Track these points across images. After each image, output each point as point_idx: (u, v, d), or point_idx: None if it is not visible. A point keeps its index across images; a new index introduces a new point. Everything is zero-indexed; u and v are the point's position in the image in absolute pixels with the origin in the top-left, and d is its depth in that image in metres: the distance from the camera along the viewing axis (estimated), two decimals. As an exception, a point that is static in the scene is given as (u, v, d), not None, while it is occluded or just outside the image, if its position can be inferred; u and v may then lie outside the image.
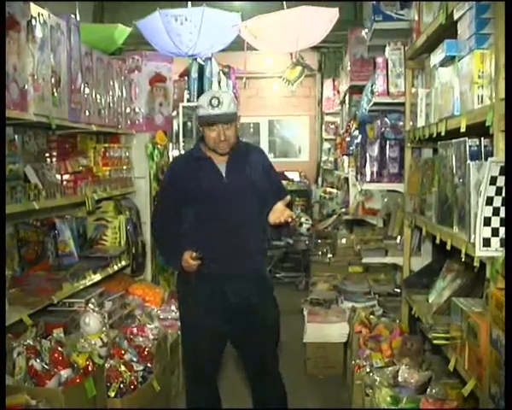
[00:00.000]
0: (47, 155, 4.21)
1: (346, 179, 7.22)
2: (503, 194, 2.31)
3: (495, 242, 2.35)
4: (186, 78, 7.55)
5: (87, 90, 4.35)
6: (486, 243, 2.36)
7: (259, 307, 3.45)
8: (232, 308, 3.39)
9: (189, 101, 7.47)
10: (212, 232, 3.37)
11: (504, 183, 1.74)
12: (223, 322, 3.42)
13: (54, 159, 4.21)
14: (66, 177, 4.20)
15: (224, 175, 3.40)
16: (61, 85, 3.83)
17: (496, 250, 2.34)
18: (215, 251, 3.35)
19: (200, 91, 7.44)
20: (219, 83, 7.99)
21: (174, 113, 7.14)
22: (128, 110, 5.44)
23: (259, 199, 3.43)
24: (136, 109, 5.72)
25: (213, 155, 3.40)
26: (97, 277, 4.56)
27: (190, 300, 3.45)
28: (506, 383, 1.59)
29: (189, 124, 7.98)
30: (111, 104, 4.93)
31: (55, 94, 3.74)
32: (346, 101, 6.73)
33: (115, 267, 4.99)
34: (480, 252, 2.39)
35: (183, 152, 7.71)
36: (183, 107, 7.37)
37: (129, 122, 5.49)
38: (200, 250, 3.31)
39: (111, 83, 4.95)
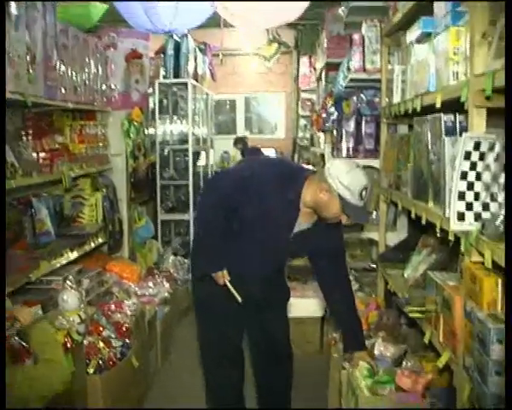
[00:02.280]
0: (23, 133, 4.17)
1: (322, 156, 7.21)
2: (478, 169, 2.34)
3: (469, 216, 2.38)
4: (162, 55, 7.49)
5: (63, 68, 4.31)
6: (461, 217, 2.39)
7: (279, 299, 3.65)
8: (253, 301, 3.43)
9: (165, 78, 7.43)
10: (246, 258, 3.30)
11: (504, 183, 1.77)
12: (245, 313, 3.46)
13: (30, 137, 4.17)
14: (42, 155, 4.17)
15: (292, 234, 3.26)
16: (36, 63, 3.79)
17: (470, 224, 2.37)
18: (242, 275, 3.32)
19: (177, 68, 7.40)
20: (195, 60, 7.95)
21: (150, 90, 7.10)
22: (104, 87, 5.41)
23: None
24: (112, 86, 5.69)
25: (305, 210, 3.21)
26: (74, 254, 4.56)
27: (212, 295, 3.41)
28: (506, 382, 1.63)
29: (165, 101, 7.94)
30: (87, 81, 4.90)
31: (31, 71, 3.70)
32: (323, 77, 6.71)
33: (92, 245, 4.99)
34: (455, 226, 2.42)
35: (170, 127, 7.70)
36: (159, 84, 7.32)
37: (105, 99, 5.45)
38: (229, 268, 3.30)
39: (87, 60, 4.91)
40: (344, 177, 2.99)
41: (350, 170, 3.03)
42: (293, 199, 3.16)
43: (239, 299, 3.26)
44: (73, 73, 4.55)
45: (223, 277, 3.25)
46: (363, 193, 3.00)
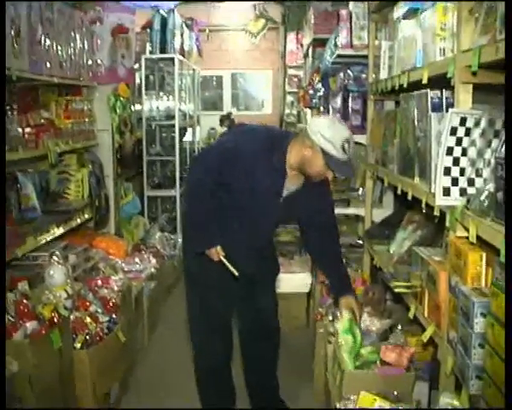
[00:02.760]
0: (8, 107, 4.15)
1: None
2: (463, 144, 2.36)
3: (454, 191, 2.40)
4: (148, 30, 7.43)
5: (48, 42, 4.28)
6: (446, 192, 2.41)
7: (269, 273, 3.66)
8: (245, 275, 3.40)
9: (151, 53, 7.38)
10: (237, 231, 3.27)
11: (505, 181, 1.78)
12: (237, 288, 3.44)
13: (15, 112, 4.14)
14: (27, 130, 4.15)
15: (281, 199, 3.24)
16: (20, 37, 3.76)
17: (455, 199, 2.39)
18: (233, 247, 3.28)
19: (163, 44, 7.35)
20: (182, 35, 7.90)
21: (136, 65, 7.05)
22: (90, 62, 5.37)
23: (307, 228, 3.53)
24: (98, 61, 5.65)
25: (292, 173, 3.20)
26: (60, 230, 4.56)
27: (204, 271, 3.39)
28: (506, 382, 1.65)
29: (152, 77, 7.90)
30: (72, 56, 4.86)
31: (15, 46, 3.67)
32: (310, 54, 6.69)
33: (78, 221, 4.99)
34: (440, 201, 2.44)
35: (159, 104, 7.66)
36: (146, 59, 7.27)
37: (91, 74, 5.42)
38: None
39: (72, 34, 4.87)
40: (325, 130, 2.99)
41: (331, 124, 3.04)
42: (278, 164, 3.15)
43: (236, 273, 3.24)
44: (59, 48, 4.51)
45: (217, 253, 3.22)
46: (346, 146, 2.97)
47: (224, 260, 3.23)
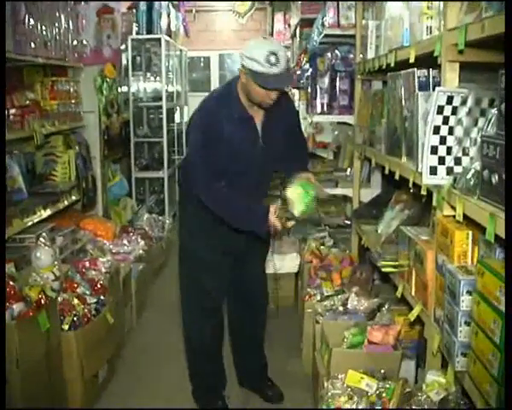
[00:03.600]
0: (-8, 88, 4.12)
1: (297, 113, 7.22)
2: (450, 123, 2.36)
3: (441, 170, 2.40)
4: (134, 10, 7.37)
5: (32, 22, 4.23)
6: (433, 171, 2.41)
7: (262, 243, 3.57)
8: (240, 247, 3.43)
9: (137, 34, 7.32)
10: (237, 189, 3.20)
11: (505, 182, 1.78)
12: (232, 257, 3.47)
13: (-1, 93, 4.12)
14: (12, 111, 4.12)
15: (260, 138, 3.21)
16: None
17: (442, 178, 2.39)
18: None
19: (149, 24, 7.30)
20: (169, 15, 7.84)
21: (123, 46, 7.00)
22: (75, 43, 5.32)
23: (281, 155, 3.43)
24: (84, 42, 5.61)
25: (253, 111, 3.16)
26: (47, 212, 4.54)
27: (205, 236, 3.37)
28: (506, 382, 1.66)
29: (138, 58, 7.85)
30: (57, 36, 4.81)
31: (-2, 25, 3.64)
32: (297, 34, 6.68)
33: (65, 202, 4.97)
34: (427, 180, 2.44)
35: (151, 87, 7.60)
36: (132, 40, 7.21)
37: (76, 55, 5.37)
38: None
39: (57, 14, 4.82)
40: (248, 51, 2.95)
41: (254, 43, 3.01)
42: (236, 108, 3.14)
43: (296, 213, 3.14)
44: (43, 28, 4.47)
45: (275, 212, 3.16)
46: (271, 58, 2.88)
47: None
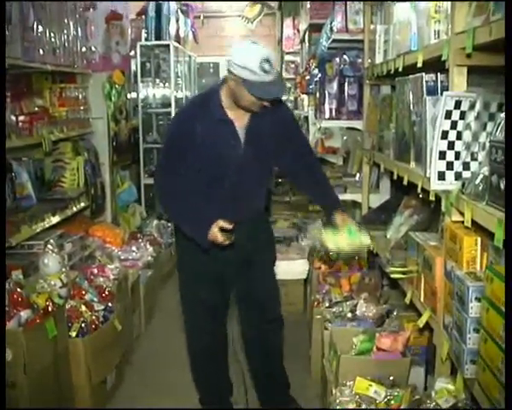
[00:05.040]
0: (1, 95, 4.13)
1: (306, 118, 7.20)
2: (458, 128, 2.34)
3: (450, 175, 2.38)
4: (143, 16, 7.39)
5: (40, 29, 4.24)
6: (441, 176, 2.40)
7: (264, 249, 3.48)
8: (239, 256, 3.29)
9: (146, 40, 7.34)
10: (217, 198, 3.11)
11: (505, 183, 1.76)
12: (232, 267, 3.34)
13: (8, 99, 4.12)
14: (21, 118, 4.13)
15: (242, 143, 3.09)
16: (12, 23, 3.72)
17: (450, 184, 2.37)
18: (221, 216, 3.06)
19: (158, 31, 7.32)
20: (177, 21, 7.86)
21: (132, 52, 7.02)
22: (84, 49, 5.33)
23: (274, 163, 3.38)
24: (93, 48, 5.62)
25: (235, 114, 3.05)
26: (56, 219, 4.54)
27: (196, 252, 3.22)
28: (506, 382, 1.64)
29: (148, 64, 7.86)
30: (66, 43, 4.82)
31: (7, 32, 3.64)
32: (306, 39, 6.68)
33: (74, 209, 4.97)
34: (436, 185, 2.42)
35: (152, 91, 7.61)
36: (141, 46, 7.24)
37: (85, 62, 5.38)
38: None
39: (65, 21, 4.83)
40: (238, 58, 2.81)
41: (243, 50, 2.85)
42: (216, 110, 3.04)
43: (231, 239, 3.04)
44: (52, 35, 4.48)
45: (216, 236, 3.00)
46: (266, 66, 2.77)
47: (223, 236, 3.02)
